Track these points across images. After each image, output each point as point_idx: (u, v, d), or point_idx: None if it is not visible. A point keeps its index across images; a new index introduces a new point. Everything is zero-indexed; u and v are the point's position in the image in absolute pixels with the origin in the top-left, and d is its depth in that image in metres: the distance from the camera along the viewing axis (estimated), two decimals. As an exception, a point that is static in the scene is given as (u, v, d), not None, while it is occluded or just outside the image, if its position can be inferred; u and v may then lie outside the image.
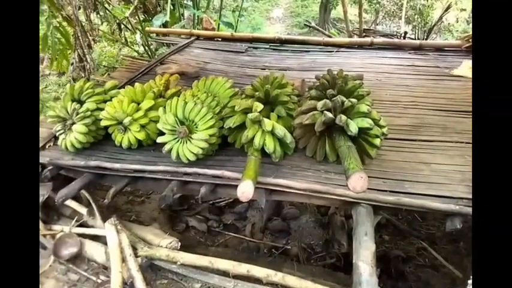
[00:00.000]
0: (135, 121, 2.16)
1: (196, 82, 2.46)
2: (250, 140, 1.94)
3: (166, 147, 2.04)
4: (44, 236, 2.19)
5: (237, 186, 1.73)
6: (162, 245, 2.09)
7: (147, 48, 4.76)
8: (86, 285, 1.96)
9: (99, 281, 1.97)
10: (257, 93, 2.13)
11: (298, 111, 2.05)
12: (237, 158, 2.11)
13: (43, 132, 2.52)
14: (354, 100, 1.93)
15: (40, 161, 2.24)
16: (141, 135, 2.19)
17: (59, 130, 2.26)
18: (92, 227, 2.27)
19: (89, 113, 2.22)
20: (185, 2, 4.96)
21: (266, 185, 1.87)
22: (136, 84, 2.35)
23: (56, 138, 2.37)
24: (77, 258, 2.09)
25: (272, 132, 1.93)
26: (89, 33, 4.62)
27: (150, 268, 2.03)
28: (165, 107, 2.12)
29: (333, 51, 3.76)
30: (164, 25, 4.47)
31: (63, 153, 2.28)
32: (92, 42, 4.71)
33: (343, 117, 1.85)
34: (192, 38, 4.07)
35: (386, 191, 1.80)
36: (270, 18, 11.08)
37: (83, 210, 2.29)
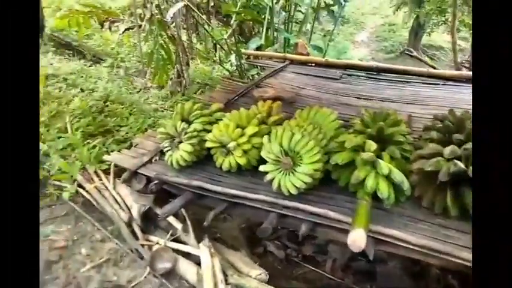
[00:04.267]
0: (239, 146, 2.19)
1: (300, 111, 2.41)
2: (360, 181, 1.80)
3: (269, 177, 2.01)
4: (142, 245, 2.30)
5: (338, 228, 1.62)
6: (251, 275, 2.05)
7: (239, 69, 4.94)
8: (177, 304, 1.99)
9: (189, 301, 1.99)
10: (369, 129, 1.99)
11: (416, 154, 1.86)
12: (339, 197, 1.98)
13: (150, 145, 2.70)
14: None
15: (146, 173, 2.39)
16: (242, 160, 2.20)
17: (167, 146, 2.38)
18: (185, 243, 2.33)
19: (195, 133, 2.31)
20: (278, 26, 5.05)
21: (375, 233, 1.70)
22: (242, 109, 2.39)
23: (161, 152, 2.51)
24: (170, 274, 2.14)
25: (387, 176, 1.77)
26: (188, 52, 4.97)
27: (239, 298, 1.99)
28: (269, 135, 2.10)
29: (438, 84, 3.45)
30: (258, 48, 4.60)
31: (167, 169, 2.40)
32: (190, 60, 5.05)
33: (476, 169, 1.62)
34: (286, 62, 4.09)
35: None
36: (355, 42, 10.83)
37: (178, 225, 2.37)
